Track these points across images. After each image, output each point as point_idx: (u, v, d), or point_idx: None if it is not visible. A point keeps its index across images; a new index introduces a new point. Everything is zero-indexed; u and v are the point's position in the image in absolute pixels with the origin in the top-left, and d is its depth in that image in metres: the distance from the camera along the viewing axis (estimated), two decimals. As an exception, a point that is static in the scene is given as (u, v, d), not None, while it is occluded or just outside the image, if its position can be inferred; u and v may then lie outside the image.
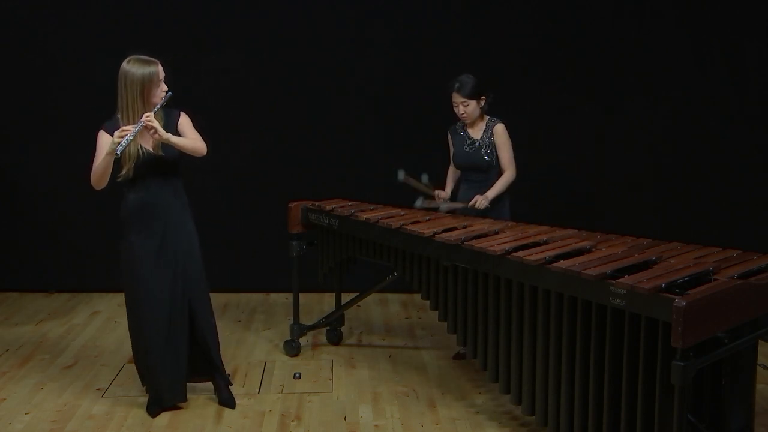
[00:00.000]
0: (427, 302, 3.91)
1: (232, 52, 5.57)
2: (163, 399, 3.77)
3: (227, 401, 3.86)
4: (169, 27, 5.50)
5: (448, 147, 4.46)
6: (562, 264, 3.13)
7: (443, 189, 4.42)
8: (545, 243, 3.52)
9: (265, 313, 5.37)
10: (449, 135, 4.44)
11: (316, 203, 4.51)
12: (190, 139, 3.63)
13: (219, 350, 3.86)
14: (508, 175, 4.26)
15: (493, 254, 3.40)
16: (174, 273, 3.67)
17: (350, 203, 4.53)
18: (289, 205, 4.57)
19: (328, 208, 4.39)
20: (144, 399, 3.87)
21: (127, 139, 3.42)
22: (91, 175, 3.57)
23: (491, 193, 4.20)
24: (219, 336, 3.89)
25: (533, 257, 3.25)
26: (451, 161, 4.46)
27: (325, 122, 5.69)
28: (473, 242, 3.54)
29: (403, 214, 4.19)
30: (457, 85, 4.24)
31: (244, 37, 5.55)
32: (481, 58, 5.64)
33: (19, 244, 5.75)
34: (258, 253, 5.74)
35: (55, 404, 3.90)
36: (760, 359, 3.18)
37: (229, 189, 5.71)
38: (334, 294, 4.87)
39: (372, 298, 5.38)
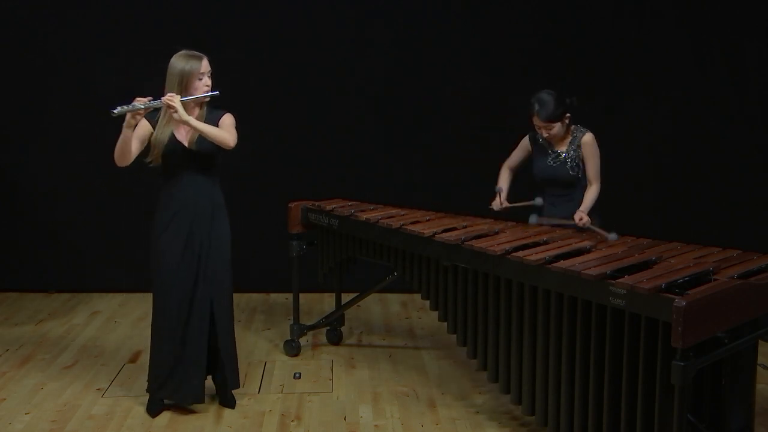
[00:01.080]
0: (427, 302, 3.91)
1: (232, 52, 5.57)
2: (167, 395, 3.77)
3: (227, 401, 3.85)
4: (169, 27, 5.50)
5: (513, 150, 4.19)
6: (562, 264, 3.13)
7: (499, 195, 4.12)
8: (545, 243, 3.52)
9: (265, 313, 5.37)
10: (529, 141, 4.12)
11: (316, 203, 4.51)
12: (212, 127, 3.59)
13: (234, 356, 3.85)
14: (596, 189, 3.94)
15: (493, 254, 3.40)
16: (197, 273, 3.68)
17: (350, 203, 4.53)
18: (289, 205, 4.57)
19: (328, 208, 4.39)
20: (144, 398, 3.87)
21: (132, 105, 3.40)
22: (114, 151, 3.57)
23: (584, 208, 3.88)
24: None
25: (533, 257, 3.25)
26: (508, 164, 4.19)
27: (325, 122, 5.69)
28: (473, 242, 3.53)
29: (403, 214, 4.18)
30: (536, 107, 3.87)
31: (244, 37, 5.55)
32: (481, 58, 5.65)
33: (19, 244, 5.75)
34: (258, 253, 5.74)
35: (55, 404, 3.90)
36: (760, 359, 3.18)
37: (229, 189, 5.68)
38: (334, 294, 4.87)
39: (372, 298, 5.38)
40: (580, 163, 3.99)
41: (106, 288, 5.77)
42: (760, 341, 3.06)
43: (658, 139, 5.74)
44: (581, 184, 4.01)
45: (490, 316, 3.51)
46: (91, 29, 5.55)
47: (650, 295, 2.78)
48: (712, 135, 5.69)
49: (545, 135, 3.97)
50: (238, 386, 3.90)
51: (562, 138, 4.02)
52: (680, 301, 2.64)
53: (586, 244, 3.47)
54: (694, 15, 5.61)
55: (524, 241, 3.52)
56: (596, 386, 3.06)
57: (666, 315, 2.70)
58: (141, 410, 3.80)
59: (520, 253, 3.32)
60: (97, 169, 5.67)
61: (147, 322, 5.07)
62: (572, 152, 3.98)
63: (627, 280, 2.90)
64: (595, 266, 3.08)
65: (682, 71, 5.66)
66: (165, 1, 5.55)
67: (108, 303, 5.58)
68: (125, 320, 5.20)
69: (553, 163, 4.02)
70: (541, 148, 4.08)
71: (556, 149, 4.02)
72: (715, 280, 2.95)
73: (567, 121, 3.96)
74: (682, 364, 2.65)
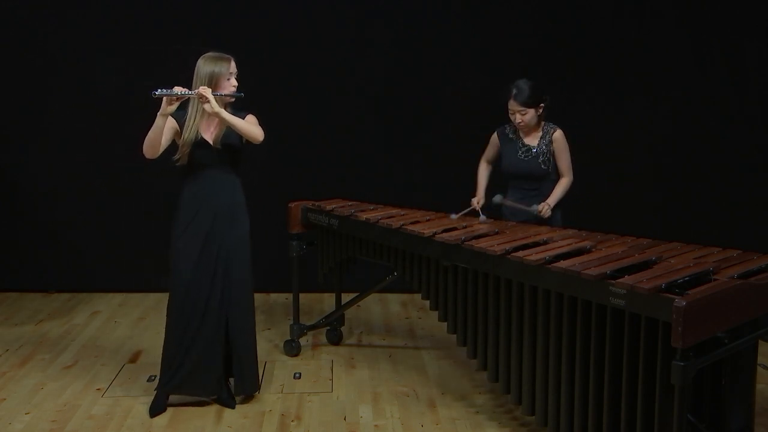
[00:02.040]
0: (427, 302, 3.91)
1: (232, 52, 5.56)
2: (175, 390, 3.78)
3: (227, 401, 3.85)
4: (169, 27, 5.50)
5: (486, 146, 4.29)
6: (562, 264, 3.13)
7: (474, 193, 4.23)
8: (545, 243, 3.52)
9: (265, 313, 5.37)
10: (497, 137, 4.22)
11: (316, 203, 4.51)
12: (242, 120, 3.67)
13: (252, 358, 3.85)
14: (567, 181, 4.09)
15: (493, 254, 3.40)
16: (215, 273, 3.71)
17: (350, 203, 4.53)
18: (289, 205, 4.57)
19: (328, 208, 4.39)
20: (144, 398, 3.88)
21: (169, 90, 3.48)
22: (144, 142, 3.61)
23: (552, 200, 4.02)
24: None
25: (533, 257, 3.25)
26: (485, 158, 4.31)
27: (325, 122, 5.69)
28: (473, 242, 3.53)
29: (403, 214, 4.18)
30: (514, 91, 3.99)
31: (244, 37, 5.55)
32: (481, 58, 5.64)
33: (19, 244, 5.75)
34: (258, 253, 5.72)
35: (55, 404, 3.90)
36: (760, 359, 3.17)
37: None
38: (334, 294, 4.87)
39: (372, 298, 5.38)
40: (551, 158, 4.08)
41: (106, 288, 5.77)
42: (760, 341, 3.06)
43: (658, 139, 5.74)
44: (551, 178, 4.11)
45: (490, 316, 3.51)
46: (91, 29, 5.55)
47: (650, 295, 2.78)
48: (712, 135, 5.69)
49: (518, 121, 4.04)
50: (256, 389, 3.92)
51: (532, 131, 4.10)
52: (680, 301, 2.64)
53: (586, 244, 3.47)
54: (694, 15, 5.61)
55: (524, 241, 3.52)
56: (596, 386, 3.06)
57: (666, 315, 2.70)
58: (141, 410, 3.80)
59: (520, 253, 3.32)
60: (97, 169, 5.68)
61: (147, 322, 5.12)
62: (544, 147, 4.08)
63: (627, 280, 2.90)
64: (595, 266, 3.08)
65: (682, 71, 5.66)
66: (165, 1, 5.55)
67: (108, 303, 5.58)
68: (125, 320, 5.20)
69: (524, 156, 4.09)
70: (511, 142, 4.16)
71: (526, 144, 4.10)
72: (715, 280, 2.95)
73: (540, 111, 4.05)
74: (682, 364, 2.65)
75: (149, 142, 3.60)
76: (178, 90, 3.53)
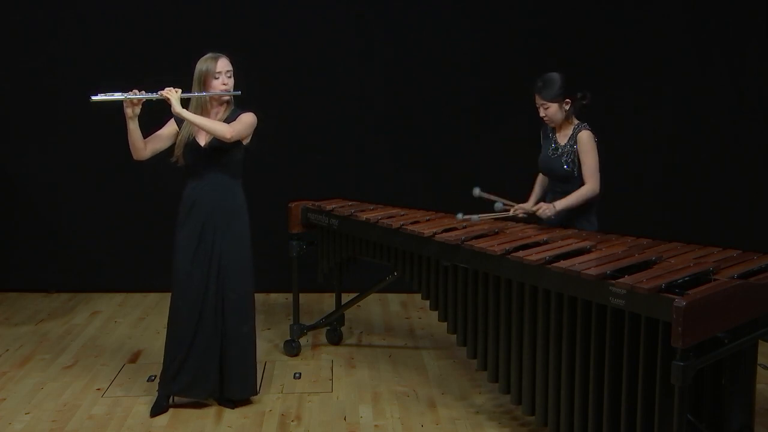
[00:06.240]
0: (427, 302, 3.91)
1: (232, 52, 5.55)
2: (179, 391, 3.77)
3: (227, 401, 3.85)
4: (170, 27, 5.50)
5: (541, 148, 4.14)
6: (562, 264, 3.13)
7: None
8: (545, 243, 3.52)
9: (265, 313, 5.36)
10: (541, 135, 4.08)
11: (316, 203, 4.51)
12: (207, 119, 3.64)
13: (246, 361, 3.81)
14: (587, 189, 3.81)
15: (493, 254, 3.40)
16: (208, 273, 3.70)
17: (350, 203, 4.53)
18: (289, 205, 4.57)
19: (328, 208, 4.39)
20: (144, 398, 3.88)
21: (109, 95, 3.44)
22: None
23: (561, 203, 3.79)
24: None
25: (533, 257, 3.25)
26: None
27: (325, 122, 5.69)
28: (473, 242, 3.53)
29: (403, 214, 4.18)
30: (539, 84, 3.84)
31: (244, 37, 5.55)
32: (481, 58, 5.64)
33: (19, 244, 5.75)
34: (258, 253, 5.71)
35: (55, 404, 3.90)
36: (760, 359, 3.17)
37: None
38: (334, 294, 4.87)
39: (372, 298, 5.38)
40: (575, 159, 3.91)
41: (106, 288, 5.77)
42: (760, 341, 3.06)
43: (659, 139, 5.74)
44: (578, 181, 3.91)
45: (490, 316, 3.51)
46: (91, 29, 5.55)
47: (650, 295, 2.78)
48: (713, 135, 5.69)
49: (542, 114, 3.91)
50: (252, 394, 3.88)
51: (562, 128, 3.96)
52: (680, 301, 2.64)
53: (586, 244, 3.47)
54: (694, 15, 5.61)
55: (524, 241, 3.52)
56: (596, 386, 3.06)
57: (666, 315, 2.70)
58: (141, 410, 3.80)
59: (520, 253, 3.32)
60: (97, 169, 5.67)
61: (147, 322, 5.12)
62: (568, 147, 3.90)
63: (627, 280, 2.90)
64: (595, 266, 3.07)
65: (682, 71, 5.65)
66: (165, 2, 5.55)
67: (108, 303, 5.58)
68: (125, 320, 5.20)
69: (552, 154, 3.97)
70: (547, 139, 4.03)
71: (557, 141, 3.96)
72: (715, 280, 2.95)
73: (566, 107, 3.88)
74: (682, 364, 2.65)
75: (130, 146, 3.64)
76: (132, 93, 3.48)
